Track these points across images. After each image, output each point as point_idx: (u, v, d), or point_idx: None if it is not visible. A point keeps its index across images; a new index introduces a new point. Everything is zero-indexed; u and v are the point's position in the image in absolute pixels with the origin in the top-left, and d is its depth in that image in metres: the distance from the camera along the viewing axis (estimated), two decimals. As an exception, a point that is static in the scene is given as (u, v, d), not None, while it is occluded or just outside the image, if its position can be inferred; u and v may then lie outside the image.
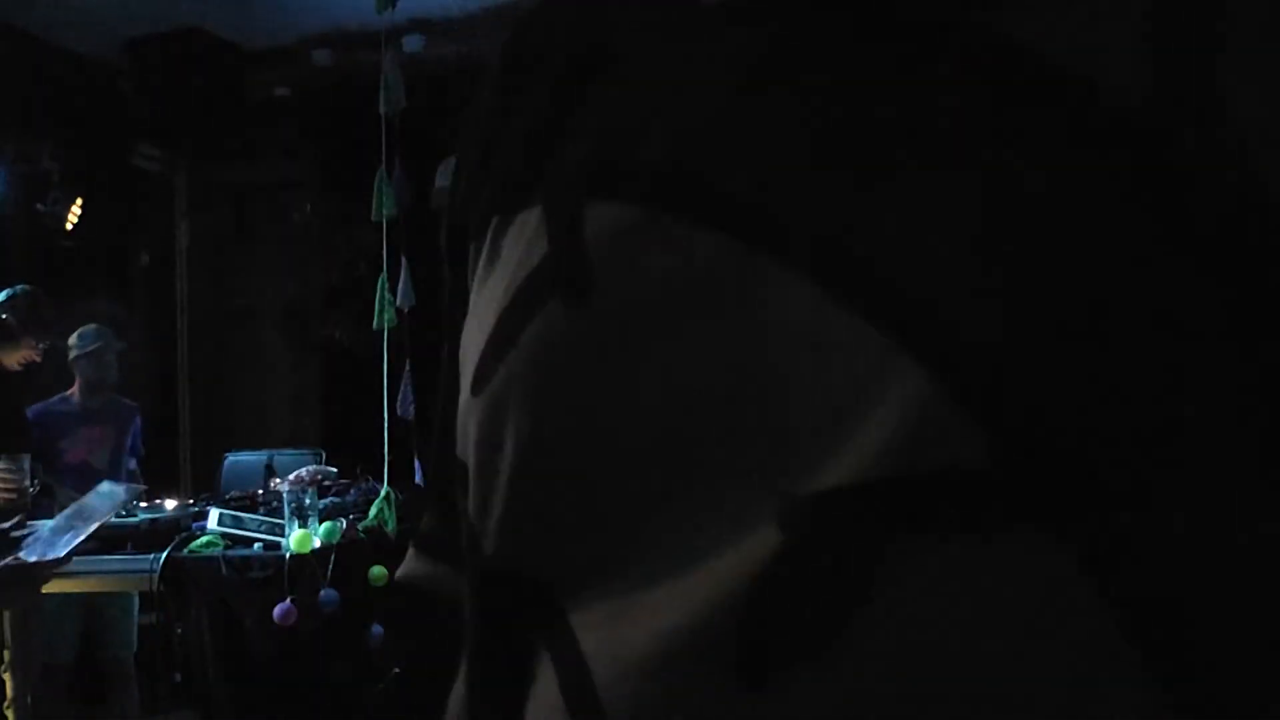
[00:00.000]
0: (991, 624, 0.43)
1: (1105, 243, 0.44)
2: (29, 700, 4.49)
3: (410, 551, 0.78)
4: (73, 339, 5.56)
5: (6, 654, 4.46)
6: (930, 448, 0.44)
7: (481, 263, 0.62)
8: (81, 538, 4.09)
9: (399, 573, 0.78)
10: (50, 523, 4.22)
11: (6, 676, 4.47)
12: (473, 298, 0.63)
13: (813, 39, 0.51)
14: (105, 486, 4.55)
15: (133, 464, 5.79)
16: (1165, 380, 0.43)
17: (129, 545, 4.46)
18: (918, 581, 0.44)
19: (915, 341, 0.45)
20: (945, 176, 0.46)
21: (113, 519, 4.48)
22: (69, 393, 5.60)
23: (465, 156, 0.69)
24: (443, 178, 6.98)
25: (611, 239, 0.53)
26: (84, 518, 4.22)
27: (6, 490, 4.47)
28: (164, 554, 4.27)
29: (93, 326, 5.63)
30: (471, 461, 0.58)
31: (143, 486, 4.90)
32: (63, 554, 4.02)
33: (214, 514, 4.49)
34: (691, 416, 0.49)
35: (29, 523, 4.24)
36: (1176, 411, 0.43)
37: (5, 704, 4.46)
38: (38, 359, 5.16)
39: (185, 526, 4.56)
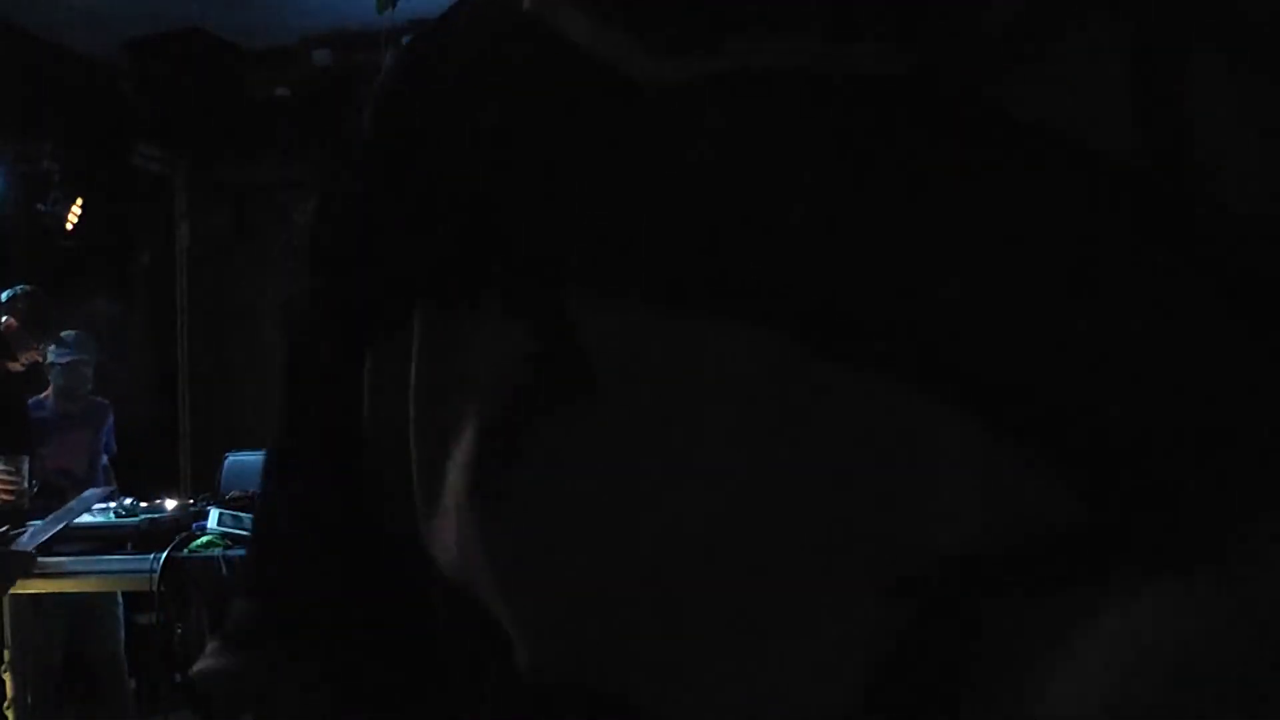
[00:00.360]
0: (1136, 668, 0.44)
1: (1146, 294, 0.45)
2: (29, 700, 4.49)
3: (213, 645, 0.67)
4: (50, 345, 5.53)
5: (6, 654, 4.46)
6: (1026, 512, 0.44)
7: (416, 348, 0.57)
8: (50, 533, 4.14)
9: (194, 670, 0.66)
10: (38, 523, 4.26)
11: (6, 677, 4.47)
12: (411, 383, 0.58)
13: (808, 122, 0.50)
14: (88, 494, 4.61)
15: (104, 460, 5.79)
16: (1238, 417, 0.44)
17: (129, 545, 4.45)
18: (1041, 639, 0.45)
19: (997, 414, 0.45)
20: (981, 250, 0.47)
21: (93, 519, 4.51)
22: (44, 396, 5.59)
23: (345, 222, 0.63)
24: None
25: (621, 338, 0.51)
26: (60, 519, 4.27)
27: (5, 491, 4.47)
28: (164, 554, 4.27)
29: (73, 334, 5.60)
30: (487, 571, 0.54)
31: (111, 487, 4.90)
32: (31, 547, 4.06)
33: (214, 514, 4.49)
34: (766, 514, 0.48)
35: (26, 523, 4.26)
36: (1255, 440, 0.44)
37: (5, 704, 4.46)
38: (40, 359, 5.16)
39: (185, 526, 4.56)
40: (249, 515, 4.50)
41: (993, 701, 0.45)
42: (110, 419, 5.83)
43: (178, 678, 5.07)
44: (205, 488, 5.92)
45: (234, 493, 5.14)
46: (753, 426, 0.48)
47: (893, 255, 0.47)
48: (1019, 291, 0.46)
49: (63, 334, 5.55)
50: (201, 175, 8.31)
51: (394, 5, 5.03)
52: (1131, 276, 0.45)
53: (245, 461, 5.94)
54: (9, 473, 4.51)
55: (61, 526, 4.25)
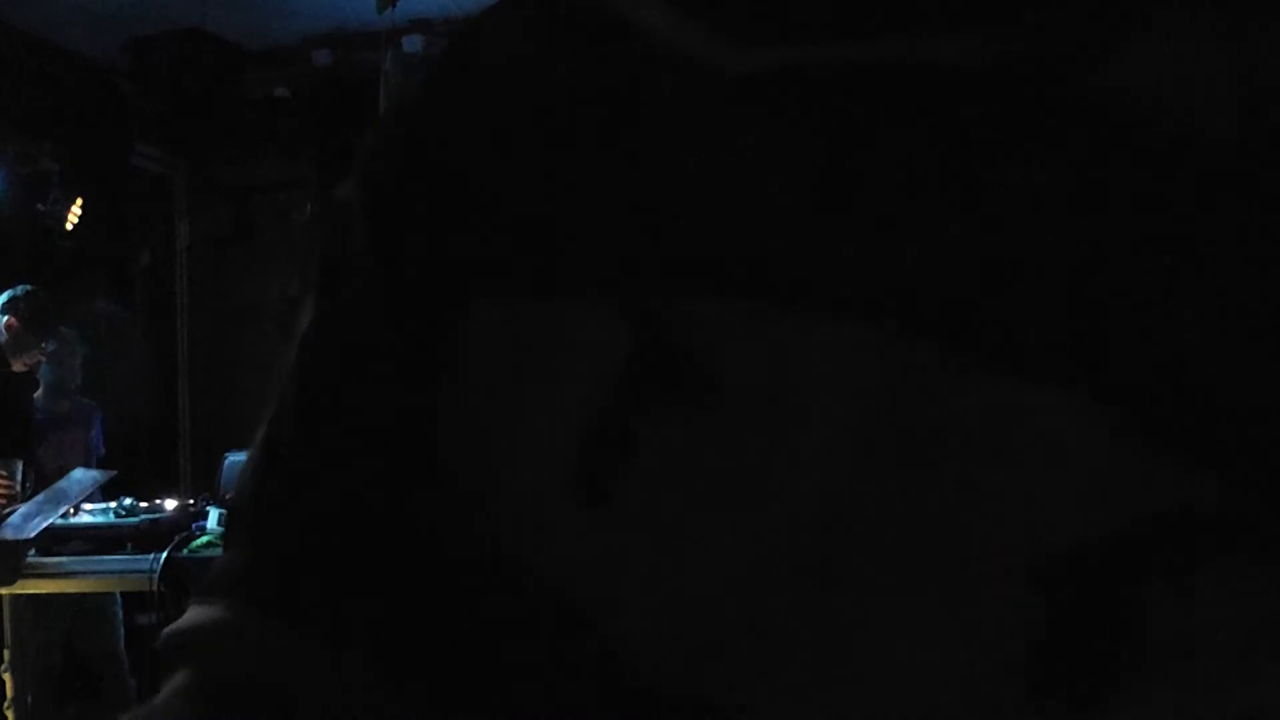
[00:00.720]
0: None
1: (1266, 276, 0.45)
2: (29, 700, 4.49)
3: (193, 606, 0.59)
4: (52, 345, 5.52)
5: (6, 653, 4.46)
6: (1146, 498, 0.44)
7: (489, 350, 0.54)
8: (50, 520, 4.13)
9: (170, 629, 0.59)
10: (23, 507, 4.25)
11: (6, 676, 4.47)
12: (486, 382, 0.55)
13: (899, 114, 0.49)
14: (78, 473, 4.57)
15: (94, 463, 5.78)
16: None
17: (129, 545, 4.46)
18: (1186, 616, 0.45)
19: (1114, 399, 0.45)
20: (1092, 240, 0.46)
21: (93, 519, 4.50)
22: (35, 395, 5.59)
23: (397, 201, 0.59)
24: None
25: (724, 336, 0.49)
26: (55, 502, 4.25)
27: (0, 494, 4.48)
28: (164, 554, 4.27)
29: (58, 329, 5.59)
30: (590, 575, 0.52)
31: (113, 472, 4.89)
32: (33, 535, 4.05)
33: (214, 514, 4.49)
34: (882, 512, 0.47)
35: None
36: None
37: (5, 704, 4.46)
38: (43, 359, 5.16)
39: (185, 527, 4.56)
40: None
41: (1156, 680, 0.45)
42: (99, 421, 5.83)
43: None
44: (205, 488, 5.92)
45: (233, 492, 5.14)
46: (863, 422, 0.47)
47: (1003, 248, 0.47)
48: (1129, 278, 0.46)
49: (50, 337, 5.56)
50: (201, 175, 8.31)
51: (394, 5, 5.04)
52: (1249, 260, 0.45)
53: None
54: (2, 476, 4.51)
55: (57, 512, 4.24)
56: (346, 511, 0.57)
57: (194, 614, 0.58)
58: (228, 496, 5.00)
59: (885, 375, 0.47)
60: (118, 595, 5.31)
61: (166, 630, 0.59)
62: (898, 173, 0.48)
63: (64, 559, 4.35)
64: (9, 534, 4.11)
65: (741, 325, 0.49)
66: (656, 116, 0.53)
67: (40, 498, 4.34)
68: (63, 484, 4.44)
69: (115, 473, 4.91)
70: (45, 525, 4.19)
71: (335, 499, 0.58)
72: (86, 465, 5.48)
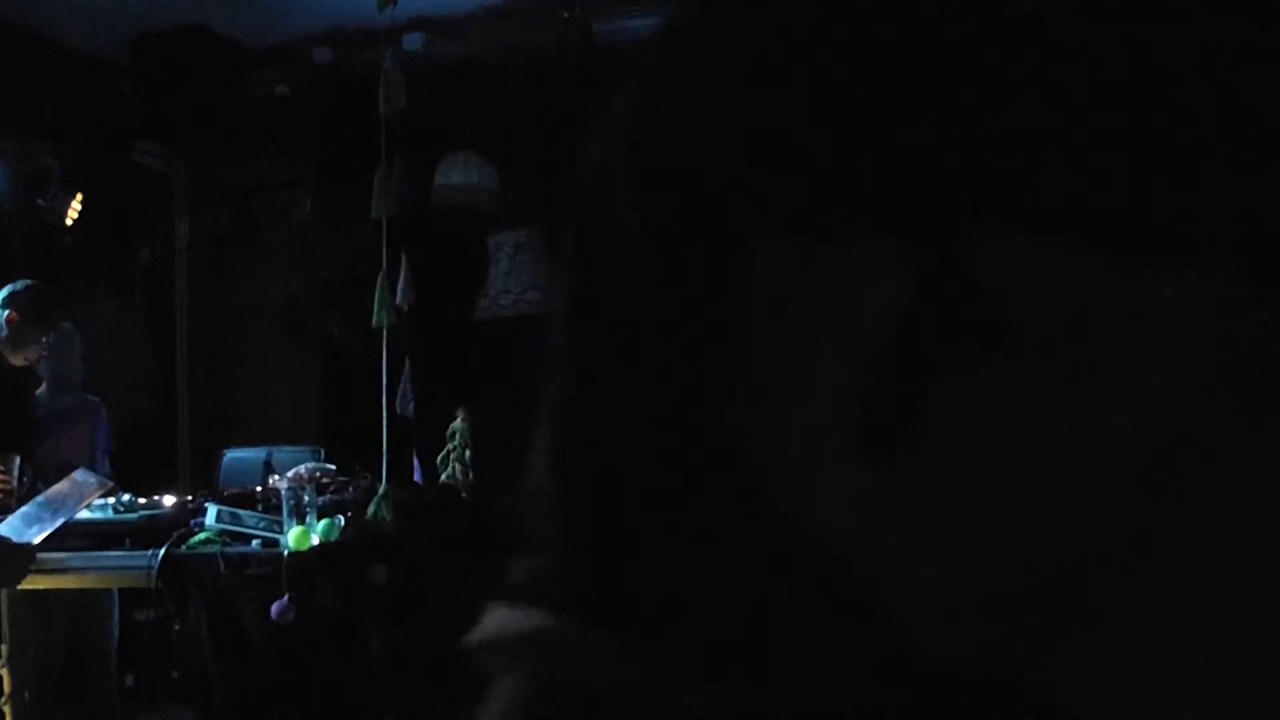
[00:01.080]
0: None
1: None
2: (25, 696, 4.49)
3: (498, 607, 0.58)
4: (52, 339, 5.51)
5: (4, 649, 4.47)
6: None
7: (769, 292, 0.50)
8: (51, 529, 4.13)
9: (477, 635, 0.58)
10: (23, 509, 4.26)
11: (4, 672, 4.48)
12: (764, 332, 0.51)
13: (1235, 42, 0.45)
14: (79, 474, 4.56)
15: (106, 459, 5.78)
16: None
17: (127, 542, 4.46)
18: None
19: None
20: None
21: (91, 515, 4.50)
22: (37, 392, 5.58)
23: (660, 141, 0.55)
24: (443, 176, 7.00)
25: (1036, 282, 0.45)
26: (54, 507, 4.25)
27: (-4, 489, 4.48)
28: (162, 550, 4.28)
29: (59, 324, 5.58)
30: (874, 542, 0.48)
31: (110, 483, 4.88)
32: (35, 540, 4.06)
33: (212, 510, 4.49)
34: (1208, 469, 0.44)
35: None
36: None
37: (2, 699, 4.46)
38: (45, 354, 5.16)
39: (183, 523, 4.56)
40: (247, 512, 4.51)
41: None
42: (104, 416, 5.82)
43: (175, 674, 5.08)
44: (204, 484, 5.93)
45: (232, 489, 5.15)
46: (1198, 374, 0.44)
47: None
48: None
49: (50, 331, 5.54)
50: (201, 173, 8.31)
51: (394, 3, 5.03)
52: None
53: (244, 458, 5.95)
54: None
55: (56, 522, 4.24)
56: (651, 501, 0.55)
57: (508, 619, 0.57)
58: (226, 493, 5.01)
59: (1225, 320, 0.44)
60: (115, 593, 5.31)
61: (481, 636, 0.57)
62: (1213, 111, 0.45)
63: (63, 555, 4.35)
64: (12, 536, 4.12)
65: (1059, 269, 0.45)
66: (950, 47, 0.49)
67: (41, 499, 4.34)
68: (63, 487, 4.43)
69: (113, 484, 4.90)
70: (47, 533, 4.20)
71: (638, 488, 0.55)
72: (92, 461, 5.48)
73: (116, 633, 5.40)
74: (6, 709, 4.47)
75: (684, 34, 0.57)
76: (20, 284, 5.06)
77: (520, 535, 0.59)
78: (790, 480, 0.50)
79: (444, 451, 5.46)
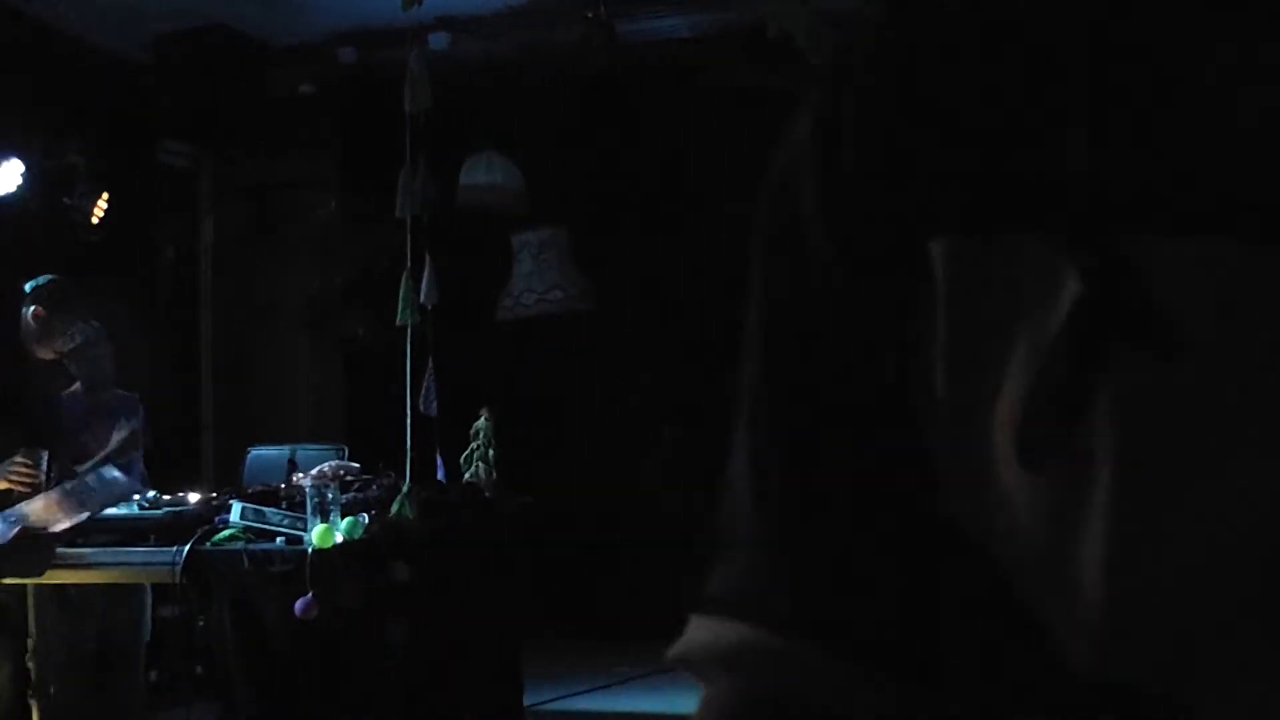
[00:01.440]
0: None
1: None
2: (51, 690, 4.51)
3: (702, 620, 0.57)
4: (77, 334, 5.51)
5: (30, 642, 4.49)
6: None
7: (941, 294, 0.50)
8: (78, 520, 4.15)
9: (684, 649, 0.57)
10: (47, 495, 4.27)
11: (30, 665, 4.50)
12: (938, 335, 0.50)
13: None
14: (108, 473, 4.58)
15: (139, 454, 5.78)
16: None
17: (151, 538, 4.48)
18: None
19: None
20: None
21: (117, 511, 4.52)
22: (73, 389, 5.59)
23: (842, 152, 0.55)
24: (467, 175, 7.01)
25: (1204, 281, 0.44)
26: (79, 500, 4.27)
27: (23, 483, 4.49)
28: (186, 547, 4.29)
29: (78, 326, 5.58)
30: (1039, 552, 0.47)
31: (142, 487, 4.89)
32: (60, 530, 4.08)
33: (236, 508, 4.51)
34: None
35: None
36: None
37: (29, 692, 4.48)
38: (74, 345, 5.17)
39: (207, 520, 4.58)
40: (271, 509, 4.53)
41: None
42: (140, 412, 5.83)
43: (199, 670, 5.10)
44: (228, 482, 5.95)
45: (256, 486, 5.16)
46: None
47: None
48: None
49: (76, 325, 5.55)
50: (226, 172, 8.34)
51: (419, 2, 5.04)
52: None
53: (268, 455, 5.97)
54: (27, 465, 4.53)
55: (85, 517, 4.26)
56: (846, 511, 0.54)
57: (716, 632, 0.57)
58: (250, 490, 5.02)
59: None
60: (149, 589, 5.34)
61: (689, 649, 0.57)
62: None
63: (88, 550, 4.37)
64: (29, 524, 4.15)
65: (1227, 266, 0.44)
66: (1121, 47, 0.48)
67: (67, 486, 4.36)
68: (91, 482, 4.45)
69: (143, 488, 4.90)
70: (74, 523, 4.22)
71: (834, 498, 0.54)
72: (131, 456, 5.50)
73: (149, 629, 5.42)
74: (33, 702, 4.49)
75: (857, 49, 0.57)
76: (44, 279, 5.08)
77: (719, 545, 0.59)
78: (963, 486, 0.49)
79: (467, 450, 5.46)
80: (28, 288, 5.04)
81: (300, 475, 5.13)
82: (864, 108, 0.54)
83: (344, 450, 5.85)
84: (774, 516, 0.56)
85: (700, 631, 0.57)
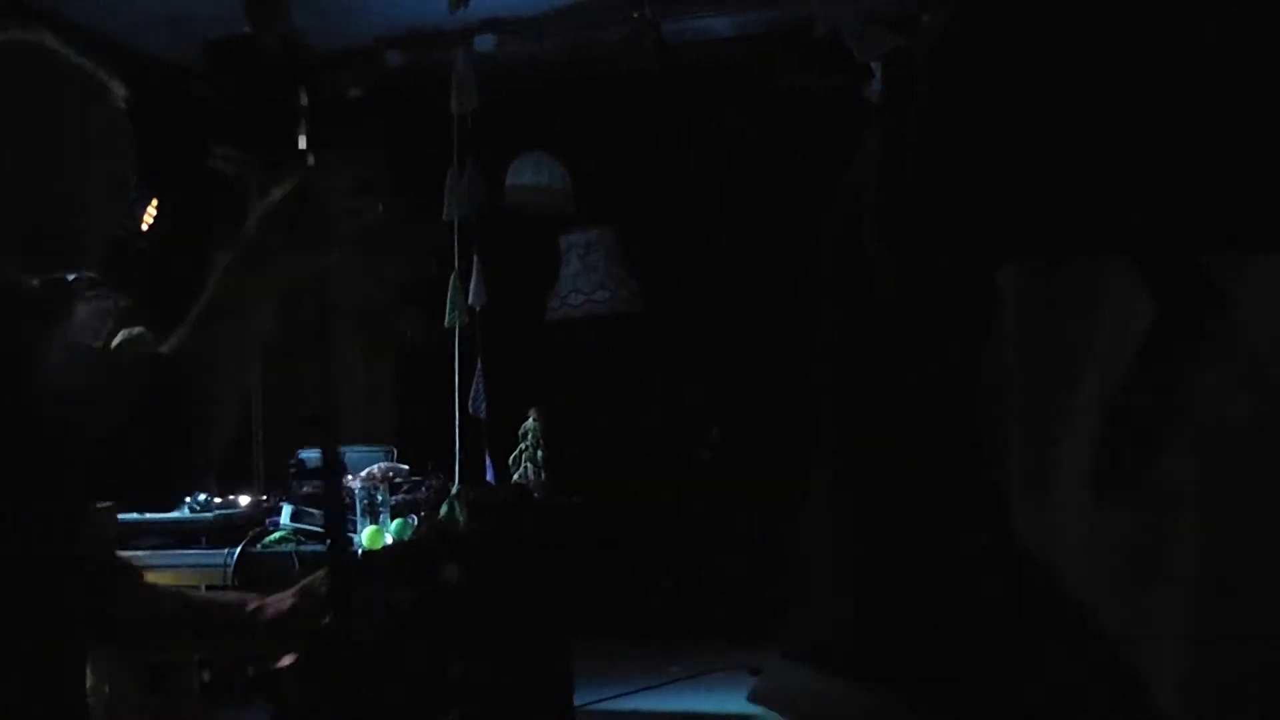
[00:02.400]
0: None
1: None
2: (106, 689, 4.55)
3: (783, 663, 0.58)
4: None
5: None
6: None
7: (1013, 318, 0.48)
8: None
9: (772, 691, 0.58)
10: None
11: (87, 666, 4.53)
12: (998, 361, 0.49)
13: None
14: None
15: None
16: None
17: (203, 540, 4.51)
18: None
19: None
20: None
21: (168, 514, 4.56)
22: None
23: (905, 177, 0.54)
24: (514, 176, 7.02)
25: (1254, 292, 0.41)
26: None
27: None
28: (238, 549, 4.33)
29: (123, 332, 5.62)
30: (1113, 579, 0.44)
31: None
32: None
33: (287, 510, 4.53)
34: None
35: None
36: None
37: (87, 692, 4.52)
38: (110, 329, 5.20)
39: (258, 522, 4.60)
40: (320, 511, 4.55)
41: None
42: None
43: (250, 672, 5.12)
44: (278, 485, 5.98)
45: (305, 489, 5.19)
46: None
47: None
48: None
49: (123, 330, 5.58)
50: (275, 176, 8.38)
51: (466, 5, 5.06)
52: None
53: (317, 458, 5.99)
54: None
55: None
56: (916, 559, 0.53)
57: (792, 676, 0.57)
58: (301, 493, 5.05)
59: None
60: (201, 590, 5.38)
61: (768, 691, 0.57)
62: None
63: (140, 552, 4.40)
64: None
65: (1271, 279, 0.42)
66: (1187, 60, 0.46)
67: None
68: None
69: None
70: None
71: (904, 546, 0.53)
72: None
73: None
74: (90, 700, 4.53)
75: (919, 65, 0.56)
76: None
77: (796, 587, 0.58)
78: (1034, 519, 0.47)
79: (516, 451, 5.47)
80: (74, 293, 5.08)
81: (350, 477, 5.15)
82: (928, 128, 0.53)
83: (393, 452, 5.86)
84: (847, 564, 0.55)
85: (779, 675, 0.57)
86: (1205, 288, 0.42)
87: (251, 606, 1.94)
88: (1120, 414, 0.43)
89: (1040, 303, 0.47)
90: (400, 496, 4.75)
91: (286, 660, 1.91)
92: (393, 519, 4.37)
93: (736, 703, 6.45)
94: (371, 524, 4.28)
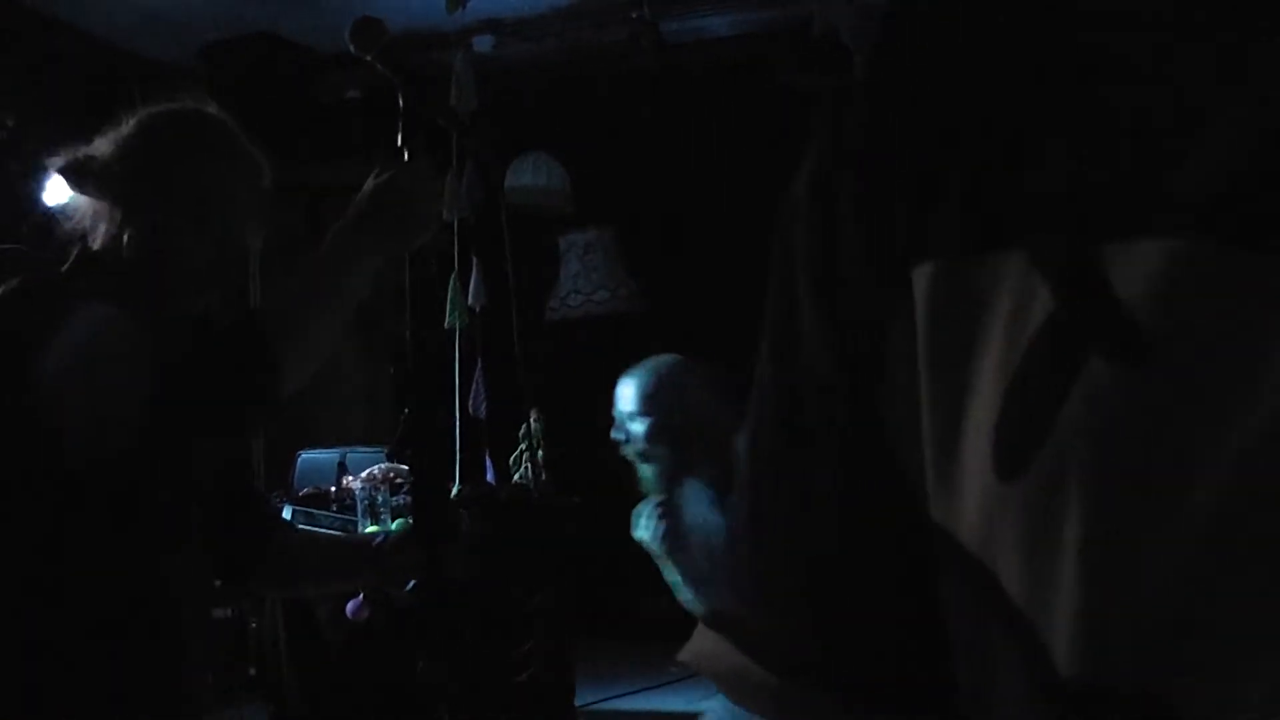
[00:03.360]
0: None
1: None
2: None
3: (709, 635, 0.62)
4: None
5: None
6: None
7: (921, 320, 0.50)
8: None
9: (693, 656, 0.63)
10: None
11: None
12: (914, 360, 0.51)
13: None
14: None
15: None
16: None
17: (205, 541, 4.51)
18: None
19: None
20: None
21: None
22: None
23: (840, 186, 0.56)
24: (514, 177, 7.02)
25: (1161, 284, 0.43)
26: None
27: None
28: (239, 550, 4.32)
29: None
30: (1009, 555, 0.47)
31: None
32: None
33: (287, 511, 4.54)
34: None
35: None
36: None
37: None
38: None
39: (259, 523, 4.60)
40: (322, 512, 4.56)
41: None
42: None
43: (251, 671, 5.13)
44: (279, 485, 5.98)
45: (306, 490, 5.19)
46: None
47: None
48: None
49: None
50: (275, 177, 8.39)
51: (464, 5, 5.06)
52: None
53: (318, 459, 6.00)
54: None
55: None
56: (843, 532, 0.55)
57: (713, 647, 0.61)
58: (300, 494, 5.05)
59: None
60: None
61: (690, 656, 0.63)
62: None
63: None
64: None
65: (1185, 264, 0.43)
66: (1099, 55, 0.48)
67: None
68: None
69: None
70: None
71: (829, 537, 0.56)
72: None
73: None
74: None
75: (859, 71, 0.58)
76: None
77: (732, 559, 0.62)
78: (943, 496, 0.50)
79: (516, 451, 5.48)
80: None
81: (351, 478, 5.16)
82: (859, 136, 0.56)
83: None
84: (762, 535, 0.59)
85: (702, 642, 0.61)
86: (1092, 274, 0.44)
87: (377, 542, 2.20)
88: (1018, 397, 0.46)
89: (948, 301, 0.49)
90: (401, 497, 4.76)
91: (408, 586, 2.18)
92: (394, 519, 4.38)
93: (737, 702, 6.45)
94: (373, 524, 4.28)
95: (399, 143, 2.02)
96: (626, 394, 3.25)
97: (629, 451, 3.19)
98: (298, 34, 7.26)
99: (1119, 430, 0.44)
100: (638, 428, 3.14)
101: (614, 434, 3.25)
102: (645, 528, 3.24)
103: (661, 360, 3.27)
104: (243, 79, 7.29)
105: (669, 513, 3.05)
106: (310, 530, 3.96)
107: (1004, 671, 0.49)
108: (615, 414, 3.27)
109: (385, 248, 2.05)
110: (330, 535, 3.94)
